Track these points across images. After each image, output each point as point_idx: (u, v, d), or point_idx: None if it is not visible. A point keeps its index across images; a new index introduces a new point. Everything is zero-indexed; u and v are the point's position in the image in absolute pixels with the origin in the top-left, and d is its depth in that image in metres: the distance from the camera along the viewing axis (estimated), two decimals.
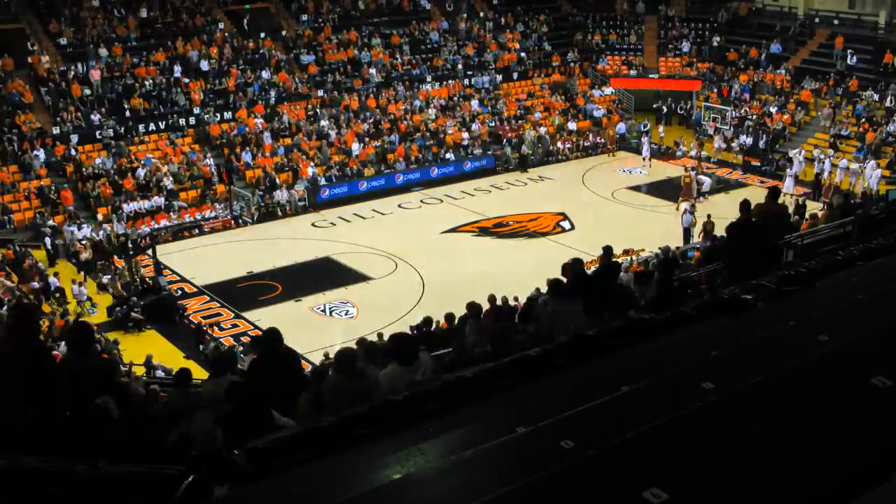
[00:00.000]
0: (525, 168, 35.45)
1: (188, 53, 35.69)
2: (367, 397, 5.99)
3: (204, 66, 35.44)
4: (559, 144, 37.45)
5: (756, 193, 29.16)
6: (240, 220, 29.73)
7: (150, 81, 34.22)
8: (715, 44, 43.14)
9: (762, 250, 9.95)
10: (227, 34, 37.17)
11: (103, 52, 34.23)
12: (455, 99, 38.65)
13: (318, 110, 35.72)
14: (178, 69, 35.03)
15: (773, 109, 37.68)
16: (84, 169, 30.39)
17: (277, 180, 31.70)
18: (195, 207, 30.28)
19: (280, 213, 30.76)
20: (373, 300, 23.63)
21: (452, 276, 24.85)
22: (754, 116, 38.01)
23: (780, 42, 41.02)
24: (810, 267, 7.53)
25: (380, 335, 19.38)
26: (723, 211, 26.87)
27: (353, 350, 7.14)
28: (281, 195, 31.04)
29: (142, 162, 31.36)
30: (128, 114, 32.91)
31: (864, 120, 35.10)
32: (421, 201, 31.95)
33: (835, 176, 31.66)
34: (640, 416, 3.57)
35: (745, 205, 10.25)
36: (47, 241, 26.74)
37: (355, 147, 34.22)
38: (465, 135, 36.17)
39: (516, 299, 20.65)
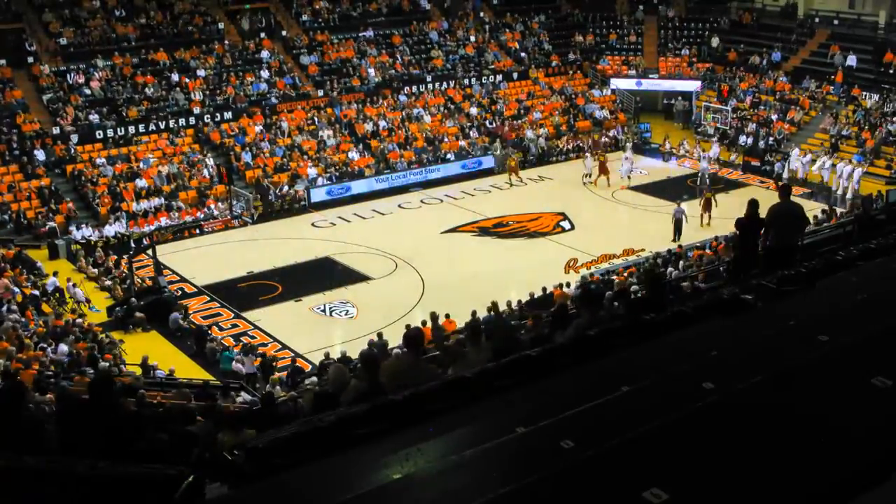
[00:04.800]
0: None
1: (187, 60, 35.69)
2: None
3: (201, 73, 35.45)
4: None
5: (756, 193, 29.19)
6: (240, 220, 29.70)
7: (150, 83, 34.21)
8: (714, 45, 43.17)
9: (778, 249, 9.93)
10: (226, 44, 37.08)
11: (101, 62, 34.19)
12: (452, 107, 38.52)
13: (316, 119, 35.59)
14: (177, 70, 35.07)
15: (774, 117, 37.63)
16: (84, 173, 30.38)
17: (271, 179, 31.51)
18: (195, 207, 30.26)
19: (276, 207, 30.60)
20: (373, 300, 23.62)
21: (452, 276, 24.85)
22: (753, 116, 38.05)
23: (779, 49, 40.98)
24: (810, 267, 7.54)
25: (379, 335, 19.46)
26: (723, 211, 26.95)
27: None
28: (273, 193, 30.79)
29: (141, 163, 31.37)
30: (125, 115, 32.89)
31: (864, 124, 35.09)
32: (421, 201, 31.95)
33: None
34: (640, 416, 3.57)
35: (752, 203, 10.21)
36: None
37: (353, 154, 34.20)
38: (463, 143, 36.14)
39: (519, 301, 20.72)
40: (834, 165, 32.54)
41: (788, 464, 3.09)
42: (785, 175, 32.59)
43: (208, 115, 34.16)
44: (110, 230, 28.37)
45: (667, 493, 2.83)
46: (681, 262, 22.22)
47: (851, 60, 38.24)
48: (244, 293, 24.24)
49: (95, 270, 25.60)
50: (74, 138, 31.55)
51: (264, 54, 37.24)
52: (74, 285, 23.65)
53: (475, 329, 8.31)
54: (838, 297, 6.06)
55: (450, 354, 7.71)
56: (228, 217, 29.69)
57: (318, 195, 31.72)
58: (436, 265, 25.68)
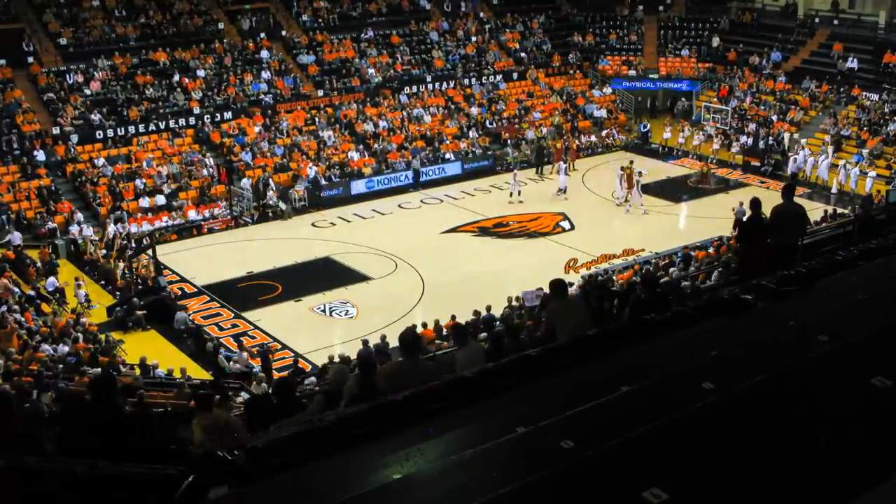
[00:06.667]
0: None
1: (187, 60, 35.68)
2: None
3: (201, 73, 35.44)
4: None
5: (756, 193, 29.19)
6: (240, 221, 29.72)
7: (150, 83, 34.22)
8: (714, 44, 43.18)
9: (779, 248, 9.96)
10: (226, 44, 37.02)
11: (101, 63, 34.17)
12: (452, 107, 38.51)
13: (316, 119, 35.60)
14: (177, 70, 35.08)
15: (774, 117, 37.62)
16: (84, 174, 30.36)
17: (271, 181, 31.54)
18: (193, 205, 30.22)
19: (272, 215, 30.56)
20: (373, 300, 23.61)
21: (452, 276, 24.85)
22: (753, 117, 38.06)
23: (779, 49, 40.98)
24: (810, 267, 7.53)
25: (383, 336, 19.46)
26: (724, 210, 26.94)
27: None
28: (272, 197, 30.80)
29: (143, 163, 31.36)
30: (125, 115, 32.88)
31: (864, 126, 35.09)
32: (421, 201, 31.94)
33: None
34: (640, 416, 3.57)
35: (755, 203, 10.22)
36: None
37: (353, 154, 34.21)
38: (463, 144, 36.14)
39: (517, 299, 20.72)
40: (835, 166, 32.58)
41: (788, 464, 3.09)
42: (792, 171, 32.68)
43: (208, 116, 34.15)
44: (110, 230, 28.34)
45: (667, 493, 2.83)
46: (692, 265, 22.02)
47: (852, 63, 38.21)
48: (244, 293, 24.24)
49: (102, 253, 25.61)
50: (74, 138, 31.54)
51: (264, 54, 37.25)
52: (80, 286, 23.62)
53: (460, 331, 8.35)
54: (838, 297, 6.05)
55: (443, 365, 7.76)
56: (228, 217, 29.71)
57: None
58: (436, 265, 25.67)
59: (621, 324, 7.28)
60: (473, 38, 42.19)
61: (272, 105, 35.46)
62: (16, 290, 21.89)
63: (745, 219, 10.45)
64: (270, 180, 31.35)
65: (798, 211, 10.40)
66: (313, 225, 30.10)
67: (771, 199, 10.84)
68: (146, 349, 19.91)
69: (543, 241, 27.90)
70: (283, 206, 30.52)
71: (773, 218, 10.20)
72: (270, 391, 12.30)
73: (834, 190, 31.58)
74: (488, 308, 19.85)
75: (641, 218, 29.57)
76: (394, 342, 18.44)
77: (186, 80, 34.92)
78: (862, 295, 5.81)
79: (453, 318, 20.07)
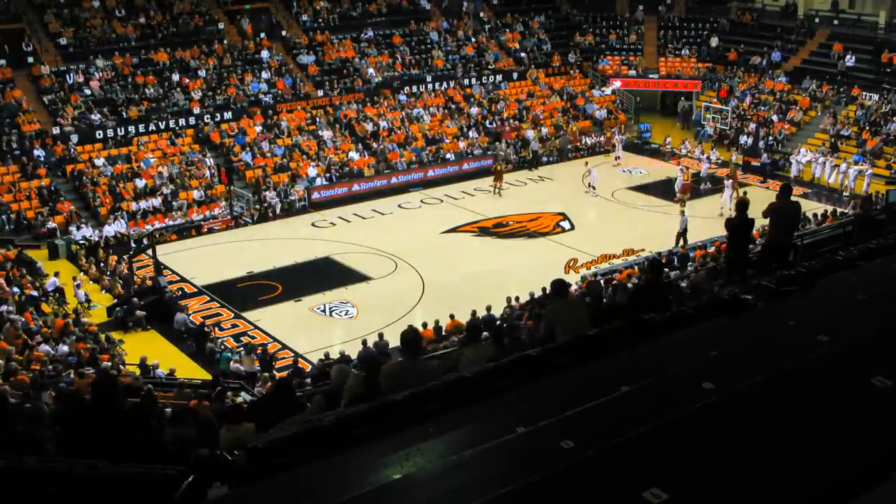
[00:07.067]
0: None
1: (187, 60, 35.67)
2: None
3: (201, 73, 35.43)
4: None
5: (756, 193, 29.19)
6: (240, 220, 29.71)
7: (150, 83, 34.20)
8: (714, 45, 43.18)
9: (774, 246, 9.98)
10: (226, 45, 36.99)
11: (100, 62, 34.15)
12: (453, 107, 38.50)
13: (316, 119, 35.59)
14: (177, 70, 35.07)
15: (774, 117, 37.62)
16: (84, 173, 30.35)
17: (270, 179, 31.66)
18: (193, 207, 30.23)
19: (271, 215, 30.65)
20: (373, 300, 23.61)
21: (452, 276, 24.86)
22: (753, 117, 38.07)
23: (779, 49, 40.99)
24: (810, 267, 7.54)
25: (380, 335, 19.46)
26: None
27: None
28: (272, 196, 30.96)
29: (141, 163, 31.37)
30: (125, 115, 32.88)
31: (864, 125, 35.08)
32: (421, 201, 31.94)
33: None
34: (640, 416, 3.57)
35: (742, 205, 10.27)
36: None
37: (353, 155, 34.22)
38: (463, 144, 36.13)
39: (517, 299, 20.73)
40: (836, 166, 32.56)
41: (788, 463, 3.09)
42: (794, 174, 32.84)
43: (208, 115, 34.15)
44: (110, 230, 28.36)
45: (667, 493, 2.83)
46: (689, 265, 22.07)
47: (850, 62, 38.21)
48: (244, 293, 24.23)
49: (97, 270, 25.58)
50: (74, 138, 31.51)
51: (264, 54, 37.24)
52: (79, 285, 23.62)
53: (475, 329, 8.38)
54: (838, 297, 6.06)
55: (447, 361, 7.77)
56: (228, 217, 29.70)
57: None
58: (436, 265, 25.67)
59: (621, 324, 7.27)
60: (473, 38, 42.20)
61: (272, 105, 35.46)
62: (15, 289, 21.87)
63: (733, 219, 10.50)
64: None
65: (795, 207, 10.47)
66: (313, 225, 30.10)
67: (770, 199, 10.86)
68: (146, 349, 19.90)
69: (543, 241, 27.90)
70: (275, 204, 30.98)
71: (770, 215, 10.24)
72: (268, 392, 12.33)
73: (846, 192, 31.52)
74: (488, 308, 19.84)
75: (641, 218, 29.58)
76: (393, 342, 18.49)
77: (186, 80, 34.91)
78: (862, 295, 5.82)
79: (452, 317, 20.14)
